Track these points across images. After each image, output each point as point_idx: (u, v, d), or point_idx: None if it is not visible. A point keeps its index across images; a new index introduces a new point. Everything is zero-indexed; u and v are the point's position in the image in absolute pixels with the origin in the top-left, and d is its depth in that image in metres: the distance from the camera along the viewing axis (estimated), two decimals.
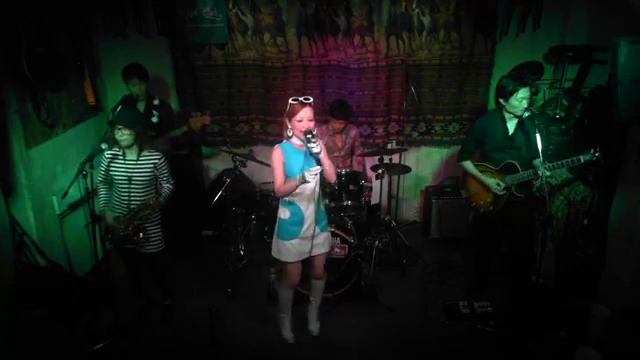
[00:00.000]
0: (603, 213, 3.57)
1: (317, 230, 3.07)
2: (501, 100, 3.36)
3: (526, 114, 3.24)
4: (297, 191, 2.97)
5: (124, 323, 3.50)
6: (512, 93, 3.26)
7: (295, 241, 3.09)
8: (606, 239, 3.54)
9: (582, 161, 3.12)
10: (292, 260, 3.14)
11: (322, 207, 3.17)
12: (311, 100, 2.90)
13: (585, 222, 3.75)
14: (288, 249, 3.10)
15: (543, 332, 3.37)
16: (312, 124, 2.88)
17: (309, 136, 2.77)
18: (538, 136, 3.05)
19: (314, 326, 3.51)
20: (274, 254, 3.19)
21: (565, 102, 4.14)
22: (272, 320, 3.67)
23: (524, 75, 3.32)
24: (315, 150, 2.76)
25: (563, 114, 4.10)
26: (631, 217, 3.30)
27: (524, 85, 3.23)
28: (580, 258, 3.74)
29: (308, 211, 3.04)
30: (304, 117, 2.86)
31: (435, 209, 4.79)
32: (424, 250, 4.70)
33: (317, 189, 3.00)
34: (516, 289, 3.80)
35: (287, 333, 3.47)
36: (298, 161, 2.96)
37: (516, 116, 3.34)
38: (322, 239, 3.18)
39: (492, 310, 3.74)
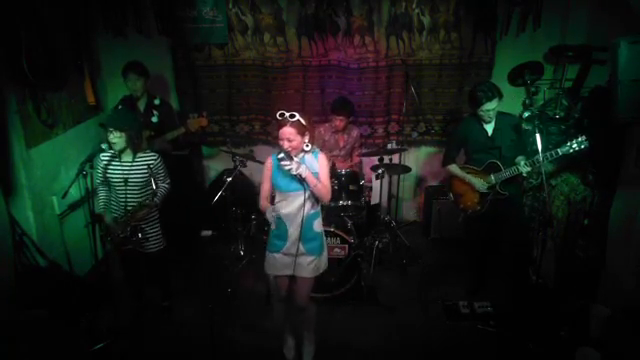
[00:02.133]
0: (603, 213, 3.57)
1: (302, 249, 2.88)
2: (471, 105, 3.51)
3: (526, 114, 3.26)
4: (284, 206, 2.87)
5: (124, 323, 3.50)
6: (478, 105, 3.40)
7: (277, 255, 2.96)
8: (606, 239, 3.54)
9: (560, 154, 3.19)
10: (271, 272, 3.03)
11: (317, 229, 2.94)
12: (296, 118, 2.70)
13: (585, 222, 3.75)
14: (270, 262, 3.02)
15: (543, 332, 3.37)
16: (292, 144, 2.71)
17: (280, 156, 2.66)
18: (538, 136, 3.07)
19: (306, 349, 3.27)
20: (265, 265, 3.07)
21: (565, 102, 4.13)
22: (272, 320, 3.67)
23: (495, 87, 3.39)
24: (291, 172, 2.66)
25: (563, 114, 4.09)
26: (631, 217, 3.30)
27: (489, 99, 3.35)
28: (580, 258, 3.74)
29: (292, 229, 2.87)
30: (282, 136, 2.72)
31: (435, 209, 4.79)
32: (424, 250, 4.70)
33: (305, 208, 2.81)
34: (516, 289, 3.80)
35: (286, 350, 3.35)
36: (283, 175, 2.79)
37: (486, 122, 3.49)
38: (307, 261, 2.93)
39: (492, 310, 3.74)
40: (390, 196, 5.01)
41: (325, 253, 3.06)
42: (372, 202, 4.39)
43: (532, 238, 3.98)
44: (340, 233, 3.70)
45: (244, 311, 3.81)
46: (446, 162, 3.80)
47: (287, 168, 2.66)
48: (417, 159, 5.10)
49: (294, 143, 2.73)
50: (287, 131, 2.71)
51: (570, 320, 3.39)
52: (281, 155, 2.66)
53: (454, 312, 3.76)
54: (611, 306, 3.25)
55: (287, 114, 2.71)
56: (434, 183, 5.19)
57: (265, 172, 2.92)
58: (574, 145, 3.14)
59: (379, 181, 4.29)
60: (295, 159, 2.72)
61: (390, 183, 4.99)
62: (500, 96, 3.39)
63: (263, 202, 2.95)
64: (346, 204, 4.08)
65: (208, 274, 4.30)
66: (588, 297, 3.53)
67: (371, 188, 4.36)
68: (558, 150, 3.19)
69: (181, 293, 3.94)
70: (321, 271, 3.05)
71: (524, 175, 3.45)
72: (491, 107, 3.39)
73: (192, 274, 4.32)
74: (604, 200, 3.59)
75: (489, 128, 3.54)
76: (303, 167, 2.70)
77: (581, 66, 4.16)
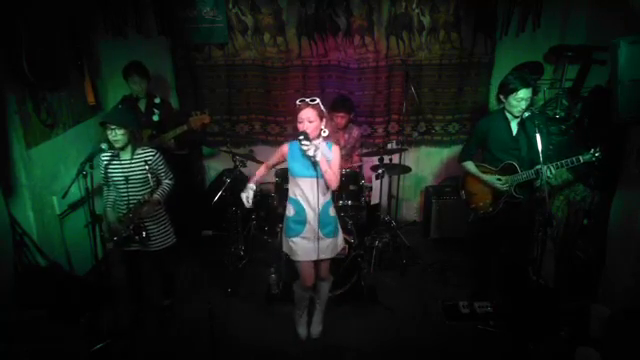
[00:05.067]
0: (603, 213, 3.56)
1: (321, 234, 3.09)
2: (501, 97, 3.34)
3: (526, 114, 3.23)
4: (300, 191, 3.05)
5: (124, 323, 3.50)
6: (512, 92, 3.23)
7: (297, 239, 3.13)
8: (606, 239, 3.53)
9: (582, 161, 3.12)
10: (297, 258, 3.17)
11: (331, 213, 3.16)
12: (317, 101, 2.94)
13: (585, 222, 3.74)
14: (291, 247, 3.16)
15: (543, 332, 3.37)
16: (312, 126, 2.92)
17: (300, 137, 2.85)
18: (538, 136, 3.05)
19: (315, 329, 3.50)
20: (285, 249, 3.25)
21: (565, 102, 4.14)
22: (272, 320, 3.68)
23: (529, 76, 3.30)
24: (309, 153, 2.85)
25: (563, 114, 4.10)
26: (631, 217, 3.30)
27: (526, 86, 3.19)
28: (580, 258, 3.73)
29: (310, 214, 3.07)
30: (303, 118, 2.93)
31: (435, 209, 4.79)
32: (424, 250, 4.70)
33: (319, 194, 2.99)
34: (516, 289, 3.79)
35: (301, 330, 3.51)
36: (299, 161, 3.01)
37: (515, 116, 3.32)
38: (326, 244, 3.16)
39: (492, 310, 3.74)
40: (390, 196, 5.01)
41: (340, 233, 3.31)
42: (372, 202, 4.39)
43: (532, 238, 3.97)
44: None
45: (244, 311, 3.81)
46: (463, 158, 3.64)
47: (305, 148, 2.85)
48: (417, 159, 5.10)
49: (314, 125, 2.92)
50: (308, 112, 2.92)
51: (570, 320, 3.39)
52: (301, 137, 2.84)
53: (454, 312, 3.76)
54: (611, 306, 3.25)
55: (307, 99, 2.93)
56: (434, 183, 5.19)
57: (278, 153, 3.14)
58: (596, 154, 3.06)
59: (379, 181, 4.29)
60: (314, 142, 2.89)
61: (390, 183, 4.99)
62: (534, 86, 3.25)
63: (260, 167, 3.25)
64: (346, 204, 4.08)
65: (208, 274, 4.30)
66: (588, 297, 3.53)
67: (371, 188, 4.36)
68: (580, 157, 3.11)
69: (181, 293, 3.95)
70: (339, 250, 3.32)
71: (539, 182, 3.27)
72: (526, 96, 3.20)
73: (192, 274, 4.33)
74: (604, 200, 3.59)
75: (514, 127, 3.36)
76: (319, 151, 2.88)
77: (581, 66, 4.17)
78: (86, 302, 3.62)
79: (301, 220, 3.10)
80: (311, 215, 3.07)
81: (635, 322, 3.01)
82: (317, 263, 3.24)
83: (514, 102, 3.25)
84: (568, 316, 3.43)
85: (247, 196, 3.13)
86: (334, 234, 3.20)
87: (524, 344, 3.30)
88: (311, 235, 3.10)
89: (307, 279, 3.26)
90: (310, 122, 2.91)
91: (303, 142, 2.84)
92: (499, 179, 3.43)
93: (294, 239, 3.13)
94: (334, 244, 3.22)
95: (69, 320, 3.47)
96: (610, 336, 3.14)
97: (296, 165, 3.03)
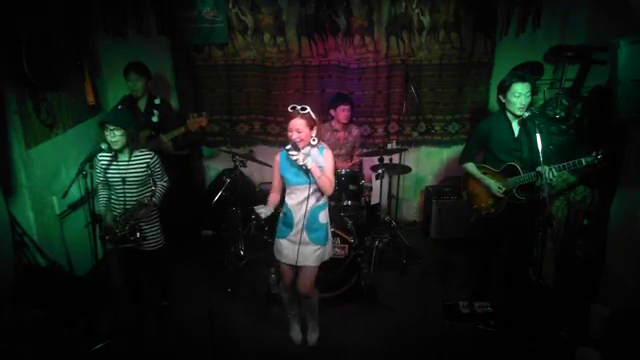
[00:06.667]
0: (603, 213, 3.56)
1: (305, 237, 3.05)
2: (501, 97, 3.32)
3: (526, 114, 3.22)
4: (293, 195, 3.04)
5: (124, 323, 3.50)
6: (508, 88, 3.21)
7: (284, 241, 3.14)
8: (606, 239, 3.53)
9: (584, 164, 3.09)
10: (279, 259, 3.19)
11: (322, 220, 3.10)
12: (307, 111, 2.87)
13: (585, 222, 3.74)
14: (277, 247, 3.18)
15: (543, 332, 3.37)
16: (301, 136, 2.87)
17: (288, 147, 2.83)
18: (538, 136, 3.04)
19: (311, 336, 3.47)
20: (274, 248, 3.25)
21: (565, 102, 4.13)
22: (272, 320, 3.68)
23: (527, 74, 3.29)
24: (298, 162, 2.82)
25: (563, 114, 4.09)
26: (631, 217, 3.30)
27: (521, 80, 3.18)
28: (580, 258, 3.73)
29: (297, 217, 3.05)
30: (292, 127, 2.88)
31: (435, 209, 4.79)
32: (424, 250, 4.70)
33: (309, 198, 2.97)
34: (516, 289, 3.79)
35: (293, 334, 3.49)
36: (291, 170, 2.99)
37: (515, 115, 3.30)
38: (311, 251, 3.09)
39: (492, 310, 3.73)
40: (390, 196, 5.01)
41: (330, 243, 3.22)
42: (372, 202, 4.39)
43: (533, 238, 3.96)
44: (340, 233, 3.70)
45: (244, 311, 3.81)
46: (464, 159, 3.60)
47: (294, 158, 2.81)
48: (417, 159, 5.10)
49: (303, 134, 2.87)
50: (297, 122, 2.86)
51: (570, 320, 3.38)
52: (289, 146, 2.81)
53: (454, 312, 3.73)
54: (611, 306, 3.24)
55: (299, 107, 2.86)
56: (434, 183, 5.19)
57: (274, 168, 3.10)
58: (599, 156, 3.05)
59: (379, 181, 4.29)
60: (302, 151, 2.86)
61: (390, 183, 4.99)
62: (533, 82, 3.22)
63: (271, 195, 3.14)
64: (346, 204, 4.07)
65: (208, 274, 4.30)
66: (588, 297, 3.53)
67: (371, 188, 4.36)
68: (582, 160, 3.09)
69: (181, 293, 3.95)
70: (325, 259, 3.20)
71: (540, 183, 3.23)
72: (523, 90, 3.16)
73: (192, 274, 4.33)
74: (604, 200, 3.59)
75: (516, 128, 3.32)
76: (309, 159, 2.85)
77: (581, 66, 4.17)
78: (86, 302, 3.62)
79: (289, 222, 3.08)
80: (297, 219, 3.04)
81: (635, 322, 3.01)
82: (300, 273, 3.17)
83: (513, 98, 3.22)
84: (568, 316, 3.43)
85: (265, 212, 3.03)
86: (323, 242, 3.12)
87: (524, 344, 3.30)
88: (297, 239, 3.07)
89: (286, 280, 3.26)
90: (299, 132, 2.86)
91: (290, 152, 2.82)
92: (500, 187, 3.39)
93: (281, 240, 3.15)
94: (320, 253, 3.12)
95: (69, 320, 3.47)
96: (610, 336, 3.14)
97: (288, 174, 3.01)
